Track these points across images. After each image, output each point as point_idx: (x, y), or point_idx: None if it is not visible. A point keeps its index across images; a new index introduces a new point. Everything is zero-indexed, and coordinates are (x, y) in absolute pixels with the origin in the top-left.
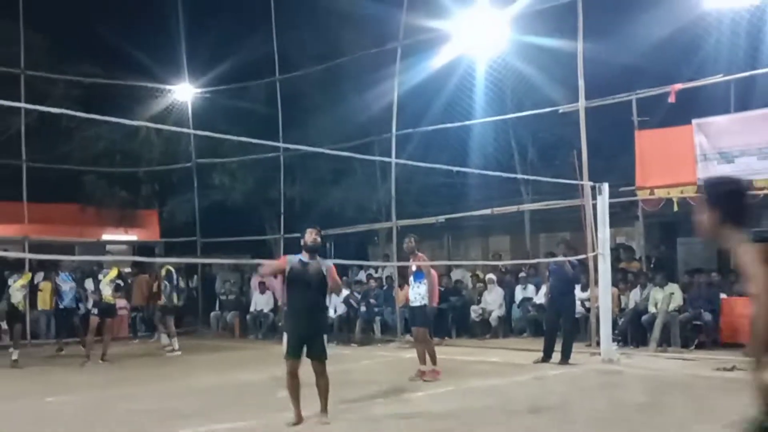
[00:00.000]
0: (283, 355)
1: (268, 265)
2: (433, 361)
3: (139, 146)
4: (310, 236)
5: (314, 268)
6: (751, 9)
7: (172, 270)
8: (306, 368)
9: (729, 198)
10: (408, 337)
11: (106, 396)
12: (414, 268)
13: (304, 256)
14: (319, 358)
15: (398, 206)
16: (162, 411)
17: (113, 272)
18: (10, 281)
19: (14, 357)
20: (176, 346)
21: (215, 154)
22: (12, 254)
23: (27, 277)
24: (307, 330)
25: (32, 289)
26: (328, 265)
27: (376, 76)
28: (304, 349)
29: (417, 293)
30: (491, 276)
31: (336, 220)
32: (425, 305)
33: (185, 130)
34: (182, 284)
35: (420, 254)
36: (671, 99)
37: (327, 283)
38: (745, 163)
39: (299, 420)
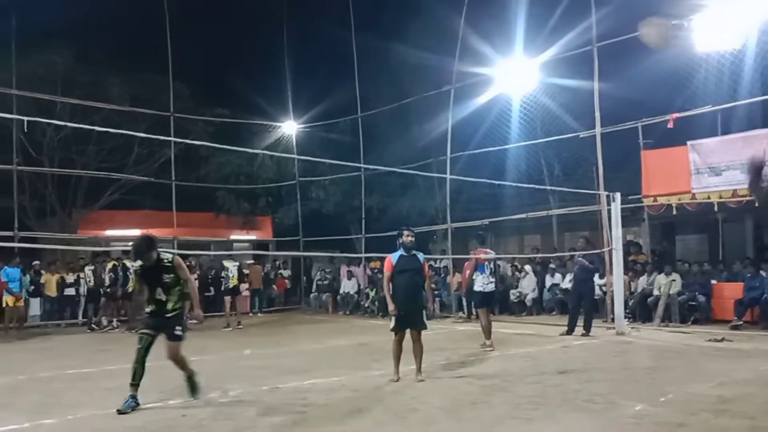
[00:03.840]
0: (391, 329)
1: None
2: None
3: (257, 168)
4: (407, 237)
5: (412, 260)
6: (733, 52)
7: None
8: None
9: None
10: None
11: (232, 356)
12: (480, 260)
13: (403, 252)
14: (419, 329)
15: (451, 211)
16: (274, 368)
17: (236, 264)
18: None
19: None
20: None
21: (313, 174)
22: (167, 251)
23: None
24: (411, 308)
25: None
26: (423, 257)
27: (434, 112)
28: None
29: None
30: (527, 266)
31: (403, 223)
32: (484, 291)
33: (291, 155)
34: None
35: (480, 248)
36: (670, 125)
37: (423, 271)
38: (731, 176)
39: (398, 378)
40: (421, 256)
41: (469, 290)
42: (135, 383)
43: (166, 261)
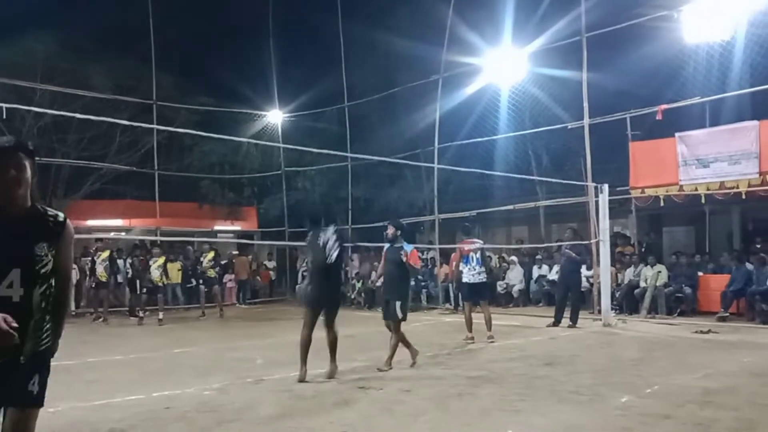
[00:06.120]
0: (401, 318)
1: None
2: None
3: (242, 158)
4: (388, 230)
5: (394, 252)
6: (722, 43)
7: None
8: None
9: None
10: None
11: (219, 348)
12: (464, 251)
13: (388, 244)
14: (388, 319)
15: (439, 203)
16: (259, 359)
17: (210, 254)
18: (150, 262)
19: (160, 317)
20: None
21: (299, 164)
22: (148, 238)
23: (162, 259)
24: (387, 297)
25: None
26: (406, 249)
27: (422, 101)
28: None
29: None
30: (513, 258)
31: (391, 214)
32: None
33: (276, 144)
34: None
35: (466, 239)
36: (658, 116)
37: (407, 261)
38: (718, 168)
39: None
40: (406, 247)
41: (458, 282)
42: None
43: (49, 216)
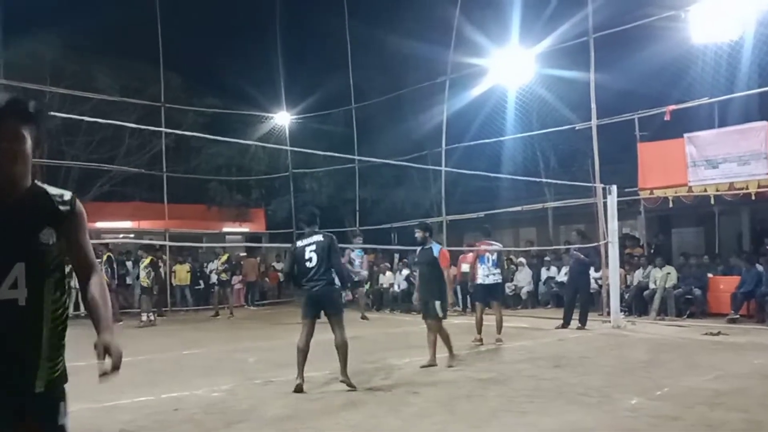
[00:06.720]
0: (441, 316)
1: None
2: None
3: (250, 160)
4: (416, 233)
5: (426, 253)
6: (731, 43)
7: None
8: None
9: None
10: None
11: (226, 349)
12: (481, 252)
13: (420, 247)
14: (429, 317)
15: (447, 204)
16: (267, 361)
17: (224, 257)
18: (140, 264)
19: (143, 319)
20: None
21: (306, 166)
22: (157, 242)
23: (148, 260)
24: (425, 297)
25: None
26: (437, 248)
27: (429, 103)
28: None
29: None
30: (522, 259)
31: (398, 215)
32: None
33: (284, 147)
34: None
35: (485, 241)
36: (667, 117)
37: (439, 263)
38: (727, 168)
39: (433, 362)
40: (436, 248)
41: (471, 282)
42: None
43: (53, 195)
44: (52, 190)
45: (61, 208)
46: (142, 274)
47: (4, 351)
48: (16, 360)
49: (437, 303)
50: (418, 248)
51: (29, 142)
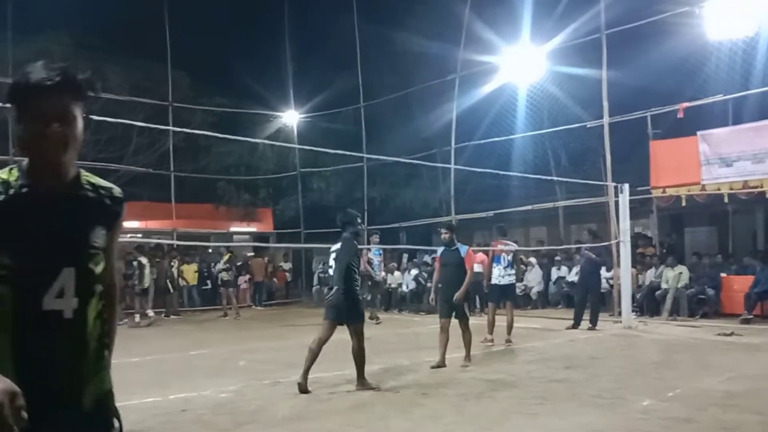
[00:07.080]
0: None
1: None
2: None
3: (258, 159)
4: (442, 235)
5: (453, 255)
6: (746, 39)
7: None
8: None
9: None
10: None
11: (234, 350)
12: (497, 252)
13: (445, 247)
14: (459, 318)
15: (456, 203)
16: (275, 362)
17: (226, 256)
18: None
19: (136, 319)
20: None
21: (314, 165)
22: (165, 241)
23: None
24: (450, 298)
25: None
26: (464, 249)
27: (439, 101)
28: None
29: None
30: (532, 259)
31: (407, 214)
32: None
33: (292, 145)
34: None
35: (501, 240)
36: (680, 115)
37: (464, 263)
38: (741, 167)
39: (440, 364)
40: (463, 249)
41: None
42: None
43: (101, 188)
44: (101, 182)
45: (112, 205)
46: (146, 274)
47: (47, 369)
48: (59, 378)
49: (465, 304)
50: (441, 248)
51: (80, 123)
